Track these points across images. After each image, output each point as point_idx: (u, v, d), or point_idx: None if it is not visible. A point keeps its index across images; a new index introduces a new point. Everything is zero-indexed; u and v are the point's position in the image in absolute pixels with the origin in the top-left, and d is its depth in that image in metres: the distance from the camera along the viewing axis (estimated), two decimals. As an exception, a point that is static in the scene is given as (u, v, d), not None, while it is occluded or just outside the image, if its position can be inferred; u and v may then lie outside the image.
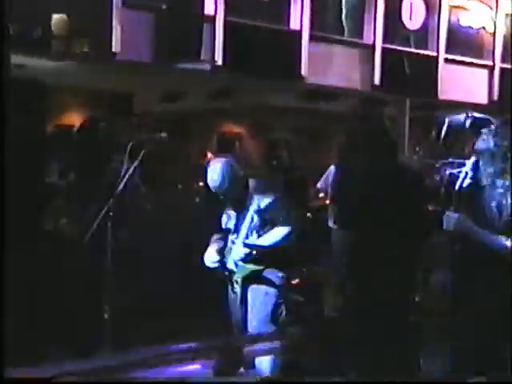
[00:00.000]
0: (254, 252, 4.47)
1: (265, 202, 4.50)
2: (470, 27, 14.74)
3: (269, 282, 4.52)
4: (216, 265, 4.58)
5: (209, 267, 4.63)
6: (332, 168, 8.68)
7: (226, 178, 4.47)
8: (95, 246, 4.30)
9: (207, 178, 4.54)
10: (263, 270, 4.53)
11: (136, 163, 4.49)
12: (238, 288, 4.51)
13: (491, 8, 14.80)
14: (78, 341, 4.48)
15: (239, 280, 4.52)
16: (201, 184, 8.77)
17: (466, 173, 3.35)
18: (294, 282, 5.05)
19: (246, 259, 4.49)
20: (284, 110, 12.57)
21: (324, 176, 8.67)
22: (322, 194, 8.74)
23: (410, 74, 13.23)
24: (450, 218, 3.39)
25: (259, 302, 4.49)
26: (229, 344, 2.61)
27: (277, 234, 4.49)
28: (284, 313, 4.49)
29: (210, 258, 4.63)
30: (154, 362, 2.79)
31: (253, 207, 4.48)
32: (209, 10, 10.58)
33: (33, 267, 4.96)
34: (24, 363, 2.96)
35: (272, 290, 4.49)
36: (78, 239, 4.54)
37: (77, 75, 10.74)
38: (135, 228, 5.11)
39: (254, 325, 4.44)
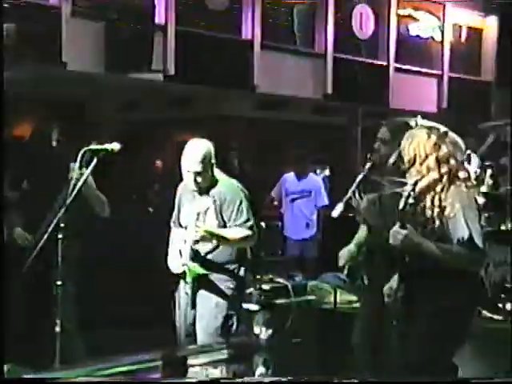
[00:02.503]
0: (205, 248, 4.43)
1: (226, 198, 4.44)
2: (418, 37, 15.01)
3: (220, 293, 4.47)
4: (183, 268, 4.47)
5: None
6: (285, 176, 8.76)
7: (207, 157, 4.45)
8: (46, 258, 4.24)
9: (186, 155, 4.45)
10: (213, 275, 4.47)
11: (87, 173, 4.44)
12: (188, 290, 4.45)
13: (439, 18, 15.10)
14: (27, 353, 4.39)
15: (190, 281, 4.44)
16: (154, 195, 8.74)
17: (409, 193, 3.42)
18: (249, 291, 5.03)
19: (197, 255, 4.43)
20: (236, 119, 12.61)
21: (277, 185, 8.72)
22: (276, 203, 8.78)
23: (361, 83, 13.40)
24: (398, 233, 3.46)
25: (209, 314, 4.43)
26: (174, 355, 2.59)
27: (236, 232, 4.43)
28: (235, 325, 4.45)
29: (175, 261, 4.54)
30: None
31: (212, 197, 4.45)
32: (160, 19, 10.57)
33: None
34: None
35: (222, 302, 4.43)
36: (30, 251, 4.47)
37: (27, 85, 10.61)
38: (87, 239, 5.06)
39: (201, 337, 4.40)
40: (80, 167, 4.29)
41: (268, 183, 8.99)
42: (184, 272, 4.48)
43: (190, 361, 2.60)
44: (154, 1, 10.13)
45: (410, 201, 3.38)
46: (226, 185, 4.54)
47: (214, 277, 4.49)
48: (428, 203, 3.51)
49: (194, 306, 4.49)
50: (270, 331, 4.57)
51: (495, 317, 5.20)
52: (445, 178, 3.53)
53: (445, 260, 3.47)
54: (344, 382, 3.33)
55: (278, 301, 5.48)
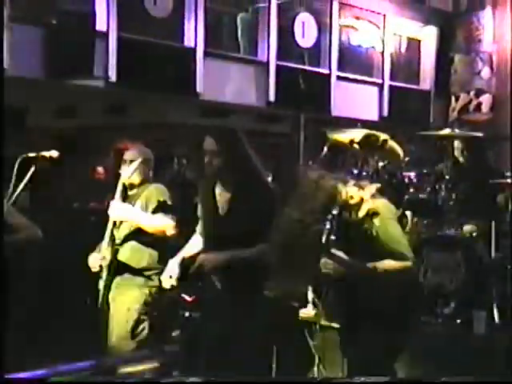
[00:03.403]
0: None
1: (153, 196, 4.56)
2: (360, 46, 15.24)
3: (134, 297, 4.49)
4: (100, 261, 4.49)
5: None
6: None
7: (147, 154, 4.73)
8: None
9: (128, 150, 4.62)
10: (128, 279, 4.49)
11: (25, 181, 4.36)
12: (101, 287, 4.47)
13: (379, 28, 15.36)
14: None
15: (105, 279, 4.46)
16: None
17: (331, 226, 3.46)
18: (189, 298, 5.00)
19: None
20: (180, 126, 12.56)
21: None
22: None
23: (303, 90, 13.48)
24: (327, 264, 3.51)
25: (120, 316, 4.45)
26: (101, 365, 2.55)
27: (154, 216, 4.49)
28: (146, 330, 4.46)
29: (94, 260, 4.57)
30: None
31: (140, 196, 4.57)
32: (101, 25, 10.47)
33: None
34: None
35: (135, 306, 4.45)
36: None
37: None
38: (24, 249, 4.95)
39: (113, 339, 4.42)
40: (17, 175, 4.22)
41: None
42: (101, 269, 4.49)
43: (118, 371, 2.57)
44: (94, 7, 10.03)
45: (332, 237, 3.44)
46: (155, 187, 4.65)
47: (129, 281, 4.50)
48: (351, 231, 3.56)
49: (107, 305, 4.51)
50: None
51: (432, 321, 5.30)
52: (360, 206, 3.58)
53: (380, 274, 3.53)
54: (344, 382, 3.36)
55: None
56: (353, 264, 3.53)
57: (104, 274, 4.49)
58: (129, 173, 4.55)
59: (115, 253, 4.52)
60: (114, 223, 4.51)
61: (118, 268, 4.51)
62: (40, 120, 12.55)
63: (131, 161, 4.60)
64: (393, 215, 3.70)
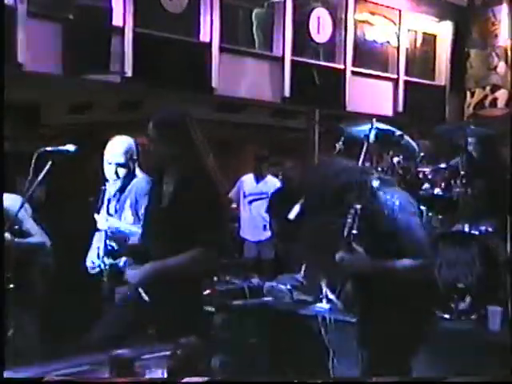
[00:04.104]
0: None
1: (141, 194, 4.51)
2: (375, 41, 15.19)
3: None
4: (96, 269, 4.51)
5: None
6: (243, 178, 8.82)
7: (129, 151, 4.60)
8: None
9: (108, 148, 4.56)
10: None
11: (41, 176, 4.40)
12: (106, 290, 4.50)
13: (395, 23, 15.30)
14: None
15: (106, 281, 4.48)
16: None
17: (353, 220, 3.46)
18: (205, 292, 5.04)
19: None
20: (196, 121, 12.57)
21: (235, 186, 8.75)
22: (234, 205, 8.82)
23: (318, 86, 13.48)
24: (343, 258, 3.51)
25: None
26: (118, 356, 2.57)
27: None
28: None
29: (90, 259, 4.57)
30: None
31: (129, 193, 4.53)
32: (117, 21, 10.51)
33: None
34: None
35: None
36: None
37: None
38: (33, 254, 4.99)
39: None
40: (34, 170, 4.26)
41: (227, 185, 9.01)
42: (100, 271, 4.51)
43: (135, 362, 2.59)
44: (110, 2, 10.06)
45: (354, 231, 3.45)
46: (145, 181, 4.60)
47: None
48: (372, 226, 3.55)
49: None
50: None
51: (447, 316, 5.30)
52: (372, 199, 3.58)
53: (397, 272, 3.53)
54: (345, 382, 3.38)
55: (235, 302, 5.50)
56: (370, 261, 3.54)
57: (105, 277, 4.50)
58: (114, 188, 4.50)
59: (111, 257, 4.52)
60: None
61: (115, 270, 4.51)
62: (56, 115, 12.63)
63: (116, 164, 4.53)
64: (414, 210, 3.70)
